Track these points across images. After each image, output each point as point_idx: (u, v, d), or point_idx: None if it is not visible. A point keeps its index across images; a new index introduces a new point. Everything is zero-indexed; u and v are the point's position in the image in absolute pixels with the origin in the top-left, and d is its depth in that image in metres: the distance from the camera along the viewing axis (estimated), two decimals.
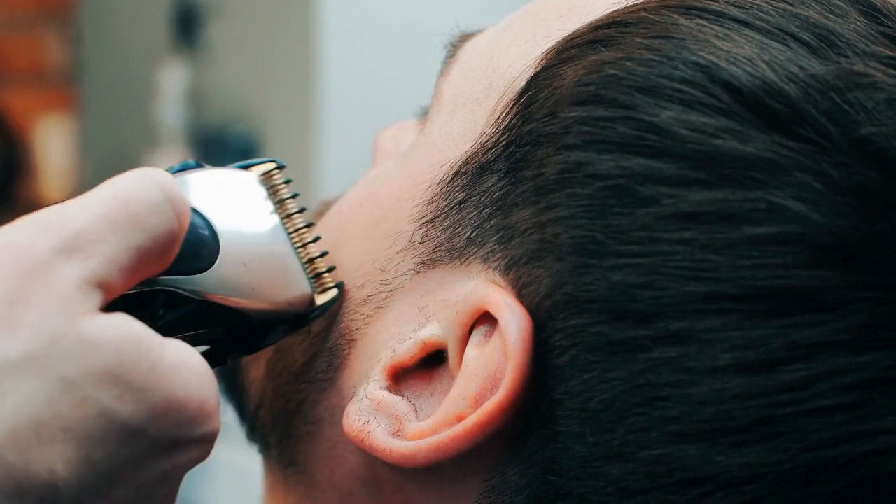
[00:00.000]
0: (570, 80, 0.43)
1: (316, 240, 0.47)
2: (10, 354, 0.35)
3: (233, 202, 0.45)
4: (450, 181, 0.46)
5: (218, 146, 1.79)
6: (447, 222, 0.45)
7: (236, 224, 0.45)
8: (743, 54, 0.41)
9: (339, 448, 0.47)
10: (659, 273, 0.40)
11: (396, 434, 0.44)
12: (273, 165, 0.48)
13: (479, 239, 0.44)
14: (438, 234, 0.46)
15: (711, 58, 0.41)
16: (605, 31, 0.44)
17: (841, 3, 0.43)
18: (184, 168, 0.46)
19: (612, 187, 0.41)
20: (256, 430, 0.52)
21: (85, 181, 2.11)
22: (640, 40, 0.43)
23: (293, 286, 0.46)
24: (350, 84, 1.62)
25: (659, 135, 0.41)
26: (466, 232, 0.45)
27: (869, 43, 0.42)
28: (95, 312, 0.37)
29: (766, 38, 0.42)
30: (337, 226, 0.50)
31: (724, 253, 0.40)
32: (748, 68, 0.41)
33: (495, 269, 0.44)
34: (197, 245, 0.43)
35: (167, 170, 0.45)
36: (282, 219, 0.47)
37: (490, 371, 0.42)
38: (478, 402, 0.42)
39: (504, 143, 0.45)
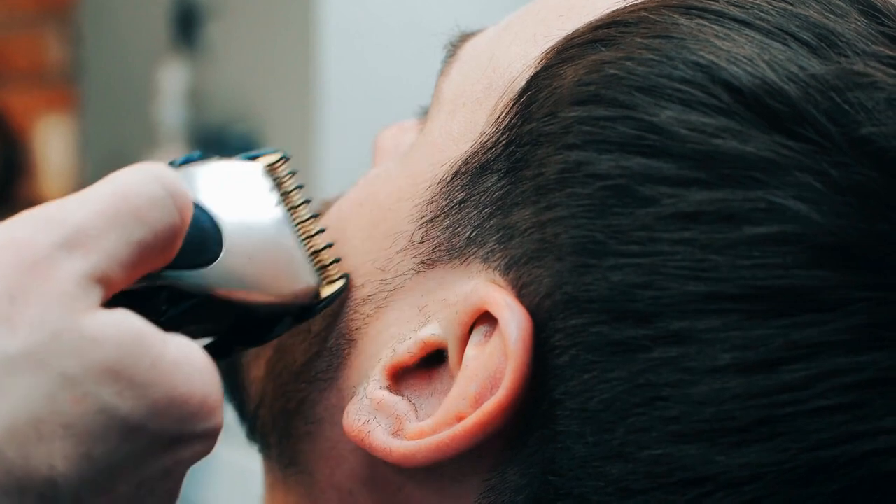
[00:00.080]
0: (570, 80, 0.43)
1: (321, 231, 0.47)
2: (9, 351, 0.35)
3: (237, 194, 0.45)
4: (450, 181, 0.46)
5: (218, 146, 1.78)
6: (447, 222, 0.45)
7: (240, 216, 0.44)
8: (743, 54, 0.41)
9: (340, 448, 0.47)
10: (659, 273, 0.40)
11: (396, 434, 0.44)
12: (278, 156, 0.48)
13: (480, 238, 0.44)
14: (438, 233, 0.46)
15: (712, 57, 0.41)
16: (606, 30, 0.44)
17: (841, 3, 0.43)
18: (188, 160, 0.45)
19: (613, 187, 0.41)
20: (256, 430, 0.52)
21: (85, 181, 2.10)
22: (640, 40, 0.43)
23: (298, 278, 0.46)
24: (350, 84, 1.62)
25: (659, 134, 0.41)
26: (466, 231, 0.45)
27: (869, 43, 0.42)
28: (96, 308, 0.37)
29: (767, 37, 0.42)
30: (337, 225, 0.50)
31: (724, 253, 0.40)
32: (748, 68, 0.41)
33: (495, 268, 0.44)
34: (200, 239, 0.43)
35: (171, 162, 0.45)
36: (287, 210, 0.46)
37: (490, 371, 0.42)
38: (478, 402, 0.42)
39: (504, 142, 0.45)
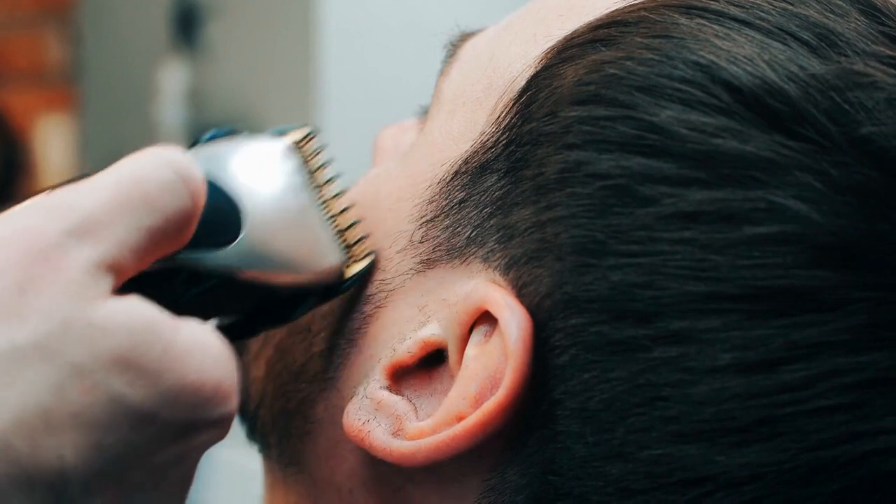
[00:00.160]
0: (570, 80, 0.43)
1: (348, 209, 0.46)
2: (17, 341, 0.35)
3: (261, 172, 0.44)
4: (450, 181, 0.46)
5: None
6: (447, 222, 0.45)
7: (263, 195, 0.44)
8: (743, 54, 0.41)
9: (340, 448, 0.47)
10: (659, 273, 0.40)
11: (396, 434, 0.44)
12: (307, 132, 0.47)
13: (480, 238, 0.44)
14: (438, 233, 0.46)
15: (712, 57, 0.41)
16: (606, 30, 0.44)
17: (841, 3, 0.43)
18: (215, 136, 0.45)
19: (612, 187, 0.41)
20: (256, 430, 0.52)
21: None
22: (640, 40, 0.43)
23: (322, 258, 0.45)
24: (350, 84, 1.62)
25: (659, 134, 0.41)
26: (466, 231, 0.45)
27: (869, 42, 0.42)
28: (107, 296, 0.36)
29: (767, 37, 0.42)
30: None
31: (724, 253, 0.40)
32: (748, 68, 0.41)
33: (495, 268, 0.44)
34: (219, 218, 0.42)
35: (199, 138, 0.44)
36: (313, 188, 0.46)
37: (490, 371, 0.42)
38: (478, 402, 0.42)
39: (504, 142, 0.45)
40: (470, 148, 0.46)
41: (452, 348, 0.44)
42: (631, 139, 0.41)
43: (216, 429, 0.38)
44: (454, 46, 0.50)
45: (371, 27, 1.64)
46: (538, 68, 0.45)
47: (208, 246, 0.41)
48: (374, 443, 0.44)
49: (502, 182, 0.44)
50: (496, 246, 0.44)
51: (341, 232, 0.46)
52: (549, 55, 0.45)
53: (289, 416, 0.50)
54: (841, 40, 0.41)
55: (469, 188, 0.45)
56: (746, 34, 0.42)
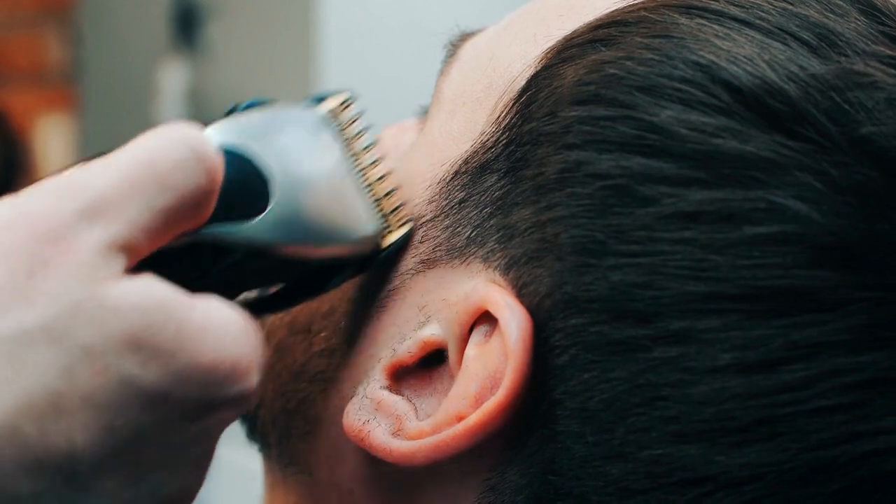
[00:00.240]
0: (570, 80, 0.43)
1: (385, 176, 0.45)
2: (26, 325, 0.35)
3: (294, 141, 0.43)
4: (450, 180, 0.46)
5: None
6: (447, 222, 0.45)
7: (295, 165, 0.43)
8: (743, 54, 0.41)
9: (340, 448, 0.47)
10: (659, 273, 0.40)
11: (396, 433, 0.44)
12: (345, 98, 0.46)
13: (480, 238, 0.44)
14: (438, 233, 0.45)
15: (712, 57, 0.41)
16: (606, 30, 0.44)
17: (841, 3, 0.43)
18: (253, 104, 0.44)
19: (612, 187, 0.41)
20: (256, 430, 0.52)
21: None
22: (640, 39, 0.43)
23: (358, 227, 0.44)
24: (350, 84, 1.62)
25: (659, 134, 0.41)
26: (466, 231, 0.45)
27: (869, 42, 0.42)
28: (119, 277, 0.36)
29: (767, 37, 0.42)
30: None
31: (724, 253, 0.40)
32: (748, 68, 0.41)
33: (495, 268, 0.44)
34: (247, 190, 0.41)
35: (235, 107, 0.43)
36: (350, 156, 0.45)
37: (490, 371, 0.42)
38: (478, 402, 0.42)
39: (504, 142, 0.45)
40: (470, 148, 0.46)
41: (452, 348, 0.44)
42: (631, 139, 0.41)
43: (234, 407, 0.38)
44: (454, 46, 0.50)
45: (371, 27, 1.64)
46: (538, 68, 0.45)
47: (235, 218, 0.41)
48: (374, 443, 0.44)
49: (502, 182, 0.44)
50: (496, 246, 0.44)
51: (378, 200, 0.45)
52: (549, 55, 0.45)
53: (289, 416, 0.49)
54: (841, 40, 0.41)
55: (469, 188, 0.45)
56: (746, 34, 0.42)
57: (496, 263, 0.44)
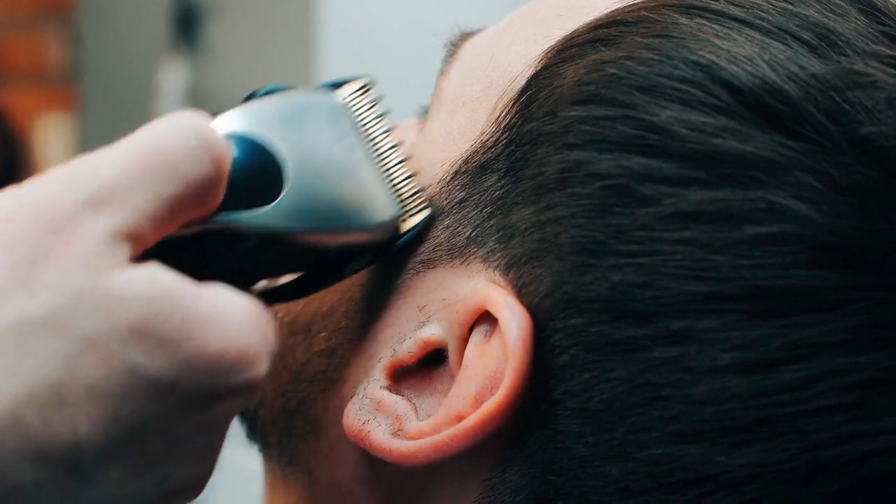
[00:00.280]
0: (570, 80, 0.43)
1: (403, 161, 0.45)
2: (28, 315, 0.34)
3: (309, 127, 0.43)
4: (450, 180, 0.46)
5: None
6: (447, 221, 0.45)
7: (310, 151, 0.42)
8: (743, 53, 0.41)
9: (339, 447, 0.47)
10: (659, 273, 0.40)
11: (396, 433, 0.44)
12: (363, 83, 0.45)
13: (480, 238, 0.44)
14: (438, 233, 0.45)
15: (712, 57, 0.41)
16: (606, 30, 0.44)
17: (841, 3, 0.43)
18: (272, 91, 0.44)
19: (613, 187, 0.41)
20: (256, 430, 0.52)
21: None
22: (640, 39, 0.43)
23: (375, 212, 0.44)
24: None
25: (659, 134, 0.41)
26: (466, 231, 0.45)
27: (869, 42, 0.42)
28: (124, 266, 0.36)
29: (767, 37, 0.42)
30: None
31: (724, 253, 0.40)
32: (748, 67, 0.41)
33: (495, 268, 0.44)
34: (260, 176, 0.41)
35: (254, 92, 0.43)
36: (367, 141, 0.44)
37: (490, 371, 0.42)
38: (478, 402, 0.42)
39: (504, 142, 0.45)
40: (470, 148, 0.46)
41: (452, 348, 0.44)
42: (631, 139, 0.41)
43: (242, 396, 0.37)
44: (454, 46, 0.50)
45: (371, 27, 1.64)
46: (538, 68, 0.45)
47: (248, 206, 0.40)
48: (374, 443, 0.44)
49: (502, 182, 0.44)
50: (496, 246, 0.44)
51: (396, 185, 0.45)
52: (549, 55, 0.45)
53: (289, 416, 0.49)
54: (841, 40, 0.41)
55: (469, 188, 0.45)
56: (746, 34, 0.42)
57: (496, 263, 0.44)
